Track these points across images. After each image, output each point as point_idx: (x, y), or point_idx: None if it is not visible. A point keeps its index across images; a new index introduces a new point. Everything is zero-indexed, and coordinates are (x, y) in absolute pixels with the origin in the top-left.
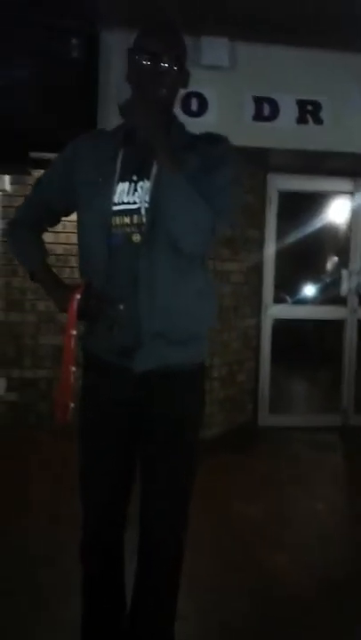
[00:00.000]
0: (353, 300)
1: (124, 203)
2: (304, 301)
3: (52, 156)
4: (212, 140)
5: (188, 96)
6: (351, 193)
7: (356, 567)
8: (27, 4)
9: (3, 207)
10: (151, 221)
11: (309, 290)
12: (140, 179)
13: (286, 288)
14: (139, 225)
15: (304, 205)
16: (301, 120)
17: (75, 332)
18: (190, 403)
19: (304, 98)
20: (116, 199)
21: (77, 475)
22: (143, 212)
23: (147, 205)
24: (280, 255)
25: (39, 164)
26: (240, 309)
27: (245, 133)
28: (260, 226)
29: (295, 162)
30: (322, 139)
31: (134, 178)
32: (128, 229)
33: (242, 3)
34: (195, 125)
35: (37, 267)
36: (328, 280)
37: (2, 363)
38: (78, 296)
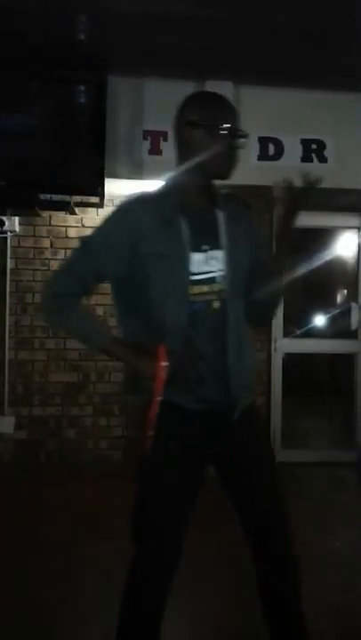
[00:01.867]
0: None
1: (202, 272)
2: (315, 335)
3: (60, 197)
4: (244, 206)
5: None
6: (358, 228)
7: None
8: (38, 54)
9: (12, 247)
10: (230, 290)
11: (320, 323)
12: (212, 248)
13: (297, 322)
14: (218, 292)
15: (312, 241)
16: (306, 159)
17: (160, 398)
18: (259, 424)
19: (308, 137)
20: (193, 269)
21: (142, 514)
22: (220, 280)
23: (223, 274)
24: (290, 290)
25: (47, 205)
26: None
27: (251, 173)
28: None
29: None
30: (327, 177)
31: (205, 248)
32: (208, 297)
33: (244, 49)
34: None
35: (110, 341)
36: (338, 313)
37: (11, 401)
38: (165, 363)
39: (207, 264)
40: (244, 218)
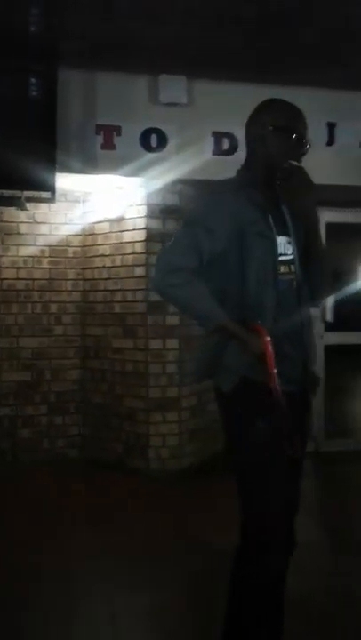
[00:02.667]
0: (319, 326)
1: (284, 254)
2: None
3: (11, 192)
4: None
5: (148, 132)
6: None
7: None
8: None
9: None
10: (301, 272)
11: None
12: (286, 234)
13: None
14: (295, 273)
15: None
16: None
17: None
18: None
19: None
20: (280, 250)
21: (252, 492)
22: (295, 262)
23: (295, 257)
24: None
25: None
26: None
27: (205, 167)
28: None
29: None
30: None
31: (282, 233)
32: (289, 277)
33: (198, 43)
34: (154, 160)
35: (226, 318)
36: None
37: None
38: (269, 338)
39: (285, 247)
40: (308, 213)
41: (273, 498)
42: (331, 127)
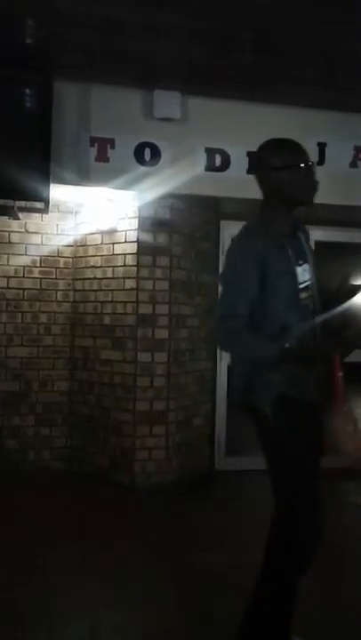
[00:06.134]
0: None
1: (303, 282)
2: None
3: (3, 201)
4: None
5: (142, 145)
6: None
7: (325, 612)
8: None
9: None
10: (316, 295)
11: None
12: (304, 262)
13: None
14: (312, 297)
15: None
16: (251, 171)
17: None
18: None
19: (254, 149)
20: (299, 279)
21: (292, 490)
22: (311, 287)
23: (311, 283)
24: None
25: None
26: (196, 353)
27: (197, 182)
28: (215, 271)
29: (246, 210)
30: None
31: (300, 262)
32: (307, 301)
33: (194, 59)
34: (147, 173)
35: (281, 348)
36: None
37: None
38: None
39: (304, 275)
40: (308, 239)
41: (309, 499)
42: (321, 147)
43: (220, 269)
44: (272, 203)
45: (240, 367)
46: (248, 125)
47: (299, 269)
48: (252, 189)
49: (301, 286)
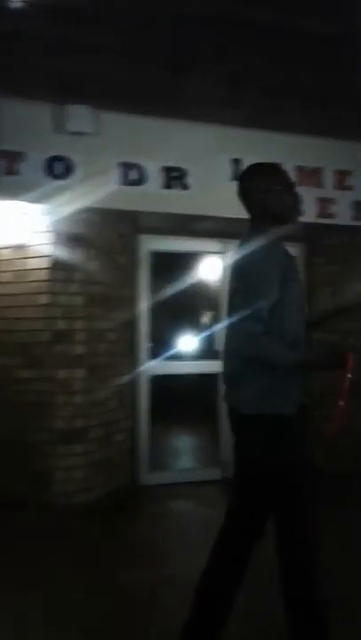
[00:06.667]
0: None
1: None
2: (180, 357)
3: None
4: None
5: (53, 159)
6: (220, 253)
7: (246, 624)
8: None
9: None
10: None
11: (185, 345)
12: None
13: (163, 344)
14: (303, 310)
15: (177, 264)
16: (168, 185)
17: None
18: None
19: (170, 165)
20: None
21: (302, 502)
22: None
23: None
24: (155, 312)
25: None
26: (115, 367)
27: (113, 196)
28: (133, 285)
29: (164, 224)
30: (188, 203)
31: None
32: (304, 310)
33: (105, 74)
34: (60, 187)
35: (302, 356)
36: (202, 335)
37: None
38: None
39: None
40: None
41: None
42: (236, 163)
43: (140, 283)
44: (260, 224)
45: (250, 376)
46: (163, 141)
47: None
48: (168, 204)
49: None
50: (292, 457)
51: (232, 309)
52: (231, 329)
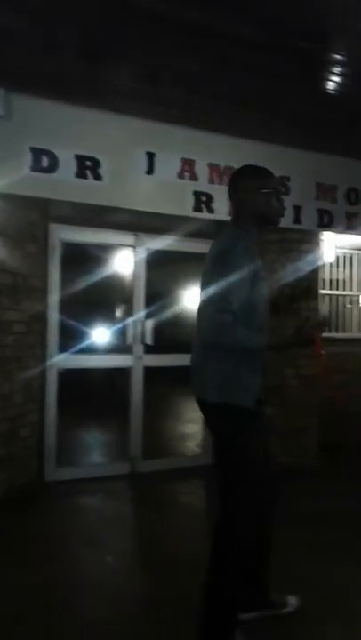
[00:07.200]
0: (138, 348)
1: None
2: (92, 350)
3: None
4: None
5: None
6: (133, 246)
7: (150, 620)
8: None
9: None
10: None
11: (97, 338)
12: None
13: (74, 337)
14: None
15: (90, 256)
16: (81, 175)
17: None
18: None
19: (83, 154)
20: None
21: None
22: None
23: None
24: (67, 304)
25: None
26: (23, 360)
27: (23, 183)
28: (44, 275)
29: (77, 214)
30: (101, 194)
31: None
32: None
33: (22, 57)
34: None
35: (273, 339)
36: (114, 329)
37: None
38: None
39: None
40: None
41: (254, 493)
42: (150, 156)
43: (51, 274)
44: (244, 222)
45: (216, 368)
46: (78, 129)
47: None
48: (81, 193)
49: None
50: (247, 447)
51: (203, 300)
52: (202, 319)
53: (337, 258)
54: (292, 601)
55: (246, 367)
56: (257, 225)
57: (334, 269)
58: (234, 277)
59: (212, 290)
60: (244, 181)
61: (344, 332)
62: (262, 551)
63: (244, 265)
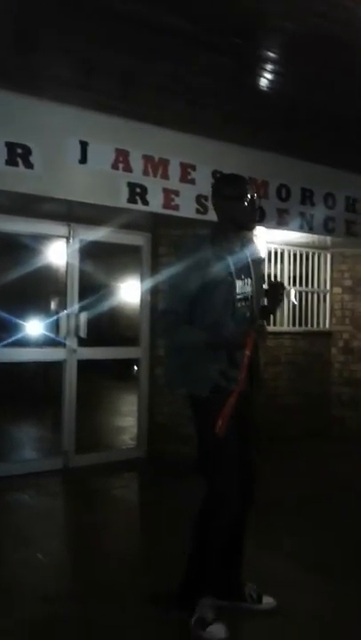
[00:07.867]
0: (72, 342)
1: (242, 293)
2: (23, 343)
3: None
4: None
5: None
6: (67, 237)
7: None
8: None
9: None
10: (255, 305)
11: (29, 331)
12: (246, 277)
13: (3, 330)
14: (249, 307)
15: (22, 247)
16: (11, 162)
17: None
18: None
19: (14, 141)
20: (238, 290)
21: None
22: (250, 297)
23: (252, 295)
24: None
25: None
26: None
27: None
28: None
29: (7, 202)
30: (33, 183)
31: (243, 277)
32: (244, 310)
33: None
34: None
35: (208, 338)
36: (48, 321)
37: None
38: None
39: (244, 287)
40: (259, 256)
41: (232, 471)
42: (83, 145)
43: None
44: (223, 225)
45: (177, 360)
46: (8, 115)
47: (239, 282)
48: (11, 182)
49: (239, 296)
50: (207, 435)
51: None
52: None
53: (268, 253)
54: (269, 600)
55: (201, 358)
56: (233, 229)
57: (266, 264)
58: (178, 278)
59: (164, 295)
60: (219, 189)
61: (275, 325)
62: (237, 532)
63: (192, 267)
